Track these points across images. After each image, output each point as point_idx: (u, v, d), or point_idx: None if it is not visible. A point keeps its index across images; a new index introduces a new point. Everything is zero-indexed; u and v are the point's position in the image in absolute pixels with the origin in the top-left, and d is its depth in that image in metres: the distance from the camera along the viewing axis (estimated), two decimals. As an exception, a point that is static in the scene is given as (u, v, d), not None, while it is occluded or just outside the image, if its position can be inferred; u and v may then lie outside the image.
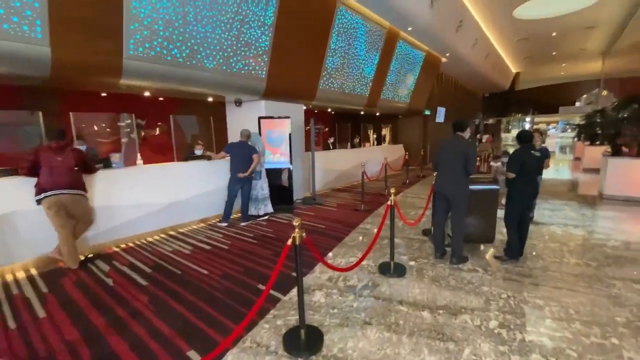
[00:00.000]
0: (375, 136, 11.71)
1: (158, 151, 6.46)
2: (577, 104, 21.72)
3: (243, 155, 5.09)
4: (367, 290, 3.01)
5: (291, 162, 6.08)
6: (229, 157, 5.19)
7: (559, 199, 6.84)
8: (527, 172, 3.52)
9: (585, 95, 21.34)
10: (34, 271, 3.54)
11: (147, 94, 5.18)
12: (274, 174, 5.93)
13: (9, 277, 3.39)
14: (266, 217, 5.58)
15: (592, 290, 2.93)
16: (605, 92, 17.79)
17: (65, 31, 3.29)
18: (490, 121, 23.35)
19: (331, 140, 9.55)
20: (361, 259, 2.99)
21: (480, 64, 13.23)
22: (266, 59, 5.44)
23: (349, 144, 9.97)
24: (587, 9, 9.56)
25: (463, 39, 10.17)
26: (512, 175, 3.53)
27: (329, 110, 10.30)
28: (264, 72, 5.53)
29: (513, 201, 3.63)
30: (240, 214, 5.36)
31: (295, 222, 2.11)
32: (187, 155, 5.93)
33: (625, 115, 6.80)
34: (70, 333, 2.42)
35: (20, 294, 3.04)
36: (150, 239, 4.60)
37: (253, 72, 5.34)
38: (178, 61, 4.30)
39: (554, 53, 15.31)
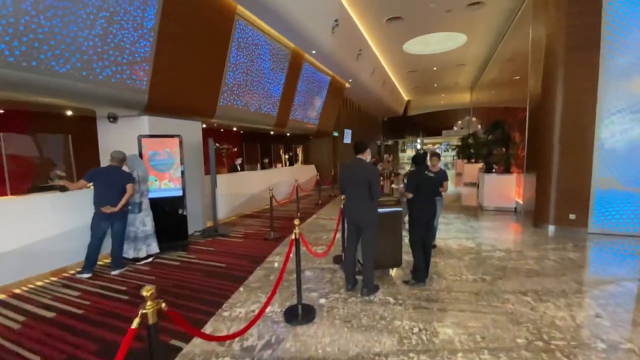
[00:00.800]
0: (287, 157, 11.44)
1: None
2: (455, 128, 25.91)
3: (112, 183, 3.99)
4: (268, 350, 2.43)
5: (184, 189, 5.16)
6: (92, 187, 4.02)
7: (450, 212, 7.57)
8: (423, 192, 3.57)
9: (459, 121, 25.62)
10: None
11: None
12: (161, 205, 4.91)
13: None
14: (149, 260, 4.50)
15: (491, 309, 2.97)
16: (474, 119, 21.64)
17: None
18: (390, 142, 25.89)
19: (239, 161, 8.82)
20: (264, 306, 2.43)
21: (378, 91, 14.47)
22: (147, 67, 4.55)
23: (258, 165, 9.38)
24: (457, 49, 11.38)
25: (363, 67, 10.90)
26: (410, 195, 3.54)
27: (235, 129, 9.59)
28: (145, 83, 4.61)
29: (414, 222, 3.63)
30: (110, 260, 4.18)
31: (146, 292, 1.41)
32: (35, 185, 4.47)
33: (493, 138, 8.04)
34: None
35: None
36: (-49, 314, 3.10)
37: (129, 81, 4.38)
38: (7, 60, 3.13)
39: (435, 85, 17.92)
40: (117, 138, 5.27)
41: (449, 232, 5.78)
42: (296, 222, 2.90)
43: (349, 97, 15.19)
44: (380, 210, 3.50)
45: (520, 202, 7.22)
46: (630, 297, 3.18)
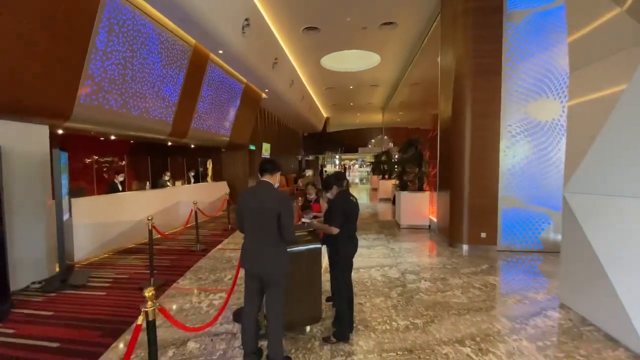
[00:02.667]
0: (193, 173, 9.77)
1: None
2: (369, 145, 27.39)
3: None
4: None
5: (2, 222, 3.39)
6: None
7: (369, 231, 7.19)
8: (350, 224, 2.83)
9: (373, 139, 27.20)
10: None
11: None
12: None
13: None
14: None
15: (433, 377, 2.31)
16: (385, 137, 23.10)
17: None
18: (310, 158, 25.82)
19: (120, 178, 6.92)
20: None
21: (297, 105, 13.96)
22: None
23: (147, 183, 7.57)
24: (371, 69, 11.66)
25: (280, 77, 10.18)
26: (336, 230, 2.74)
27: (113, 138, 7.64)
28: None
29: (340, 263, 2.84)
30: None
31: None
32: None
33: (407, 157, 8.09)
34: None
35: None
36: None
37: None
38: None
39: (351, 104, 18.45)
40: None
41: (372, 257, 5.24)
42: (148, 292, 1.74)
43: (267, 109, 14.30)
44: (292, 249, 2.61)
45: (434, 219, 7.28)
46: (561, 335, 2.94)
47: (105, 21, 4.53)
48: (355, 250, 2.89)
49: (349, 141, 27.63)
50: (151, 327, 1.75)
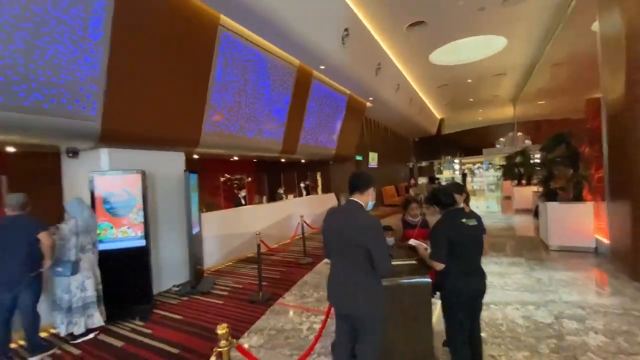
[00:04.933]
0: (304, 185, 10.32)
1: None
2: (497, 145, 23.41)
3: (14, 238, 2.96)
4: None
5: (147, 237, 4.10)
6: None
7: (504, 253, 5.77)
8: (461, 254, 2.12)
9: (502, 138, 23.14)
10: None
11: None
12: (119, 258, 3.87)
13: None
14: (90, 337, 3.39)
15: None
16: (519, 134, 19.25)
17: None
18: (423, 164, 23.95)
19: (243, 193, 7.80)
20: None
21: (405, 109, 13.09)
22: (96, 90, 3.69)
23: (264, 197, 8.32)
24: (495, 56, 9.84)
25: (384, 82, 9.70)
26: (440, 265, 2.10)
27: (236, 158, 8.68)
28: (95, 108, 3.74)
29: (450, 303, 2.17)
30: (26, 342, 3.11)
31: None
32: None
33: (553, 157, 6.26)
34: None
35: None
36: None
37: (70, 107, 3.52)
38: None
39: (470, 99, 16.15)
40: (79, 176, 4.45)
41: (507, 290, 4.09)
42: (221, 330, 1.57)
43: (373, 118, 13.96)
44: (391, 282, 2.11)
45: (604, 240, 5.29)
46: None
47: (221, 56, 5.14)
48: (472, 289, 2.15)
49: (471, 142, 24.28)
50: (226, 367, 1.59)
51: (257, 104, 6.30)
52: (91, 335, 3.41)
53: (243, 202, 7.74)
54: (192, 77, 4.80)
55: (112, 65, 3.73)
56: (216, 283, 4.99)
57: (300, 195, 9.82)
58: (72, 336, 3.34)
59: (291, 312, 3.81)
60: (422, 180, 18.61)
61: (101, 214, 3.82)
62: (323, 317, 3.49)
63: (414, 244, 2.66)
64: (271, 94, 6.60)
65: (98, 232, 3.73)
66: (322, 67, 7.21)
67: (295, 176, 10.42)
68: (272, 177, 10.21)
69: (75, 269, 3.31)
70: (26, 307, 3.01)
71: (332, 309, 2.03)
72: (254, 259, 6.38)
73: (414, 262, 2.49)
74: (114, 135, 4.01)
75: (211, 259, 5.79)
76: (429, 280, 2.27)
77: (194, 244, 4.86)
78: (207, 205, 6.64)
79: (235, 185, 9.33)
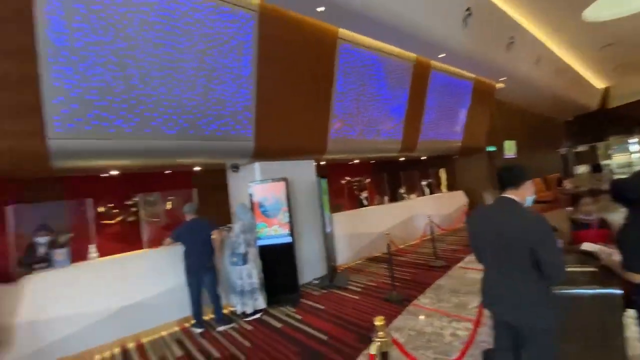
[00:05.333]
0: (427, 183, 9.80)
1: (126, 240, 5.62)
2: None
3: (198, 236, 3.99)
4: None
5: (292, 234, 4.73)
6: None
7: None
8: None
9: None
10: None
11: (114, 172, 4.59)
12: (272, 252, 4.62)
13: None
14: (257, 317, 4.16)
15: None
16: None
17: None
18: (581, 148, 19.06)
19: (364, 195, 8.01)
20: None
21: (550, 84, 10.77)
22: (250, 116, 4.53)
23: (386, 198, 8.29)
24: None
25: (519, 57, 8.26)
26: (637, 277, 1.64)
27: (357, 161, 8.96)
28: (250, 131, 4.59)
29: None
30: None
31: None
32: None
33: None
34: None
35: None
36: (97, 357, 3.53)
37: (233, 132, 4.44)
38: (125, 132, 3.58)
39: (655, 56, 11.93)
40: (240, 186, 5.53)
41: None
42: (379, 321, 1.69)
43: (506, 100, 12.04)
44: (566, 291, 1.81)
45: None
46: None
47: (341, 67, 5.47)
48: None
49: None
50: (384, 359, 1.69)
51: (374, 106, 6.41)
52: (258, 315, 4.18)
53: (365, 203, 7.96)
54: (317, 92, 5.30)
55: (259, 94, 4.51)
56: (350, 280, 5.30)
57: (423, 194, 9.37)
58: (244, 314, 4.17)
59: (429, 316, 3.69)
60: (582, 169, 14.82)
61: (258, 216, 4.64)
62: (467, 324, 3.26)
63: (590, 249, 2.18)
64: (388, 93, 6.60)
65: (257, 230, 4.55)
66: (442, 55, 6.73)
67: (415, 175, 10.03)
68: (392, 177, 10.13)
69: (245, 259, 4.14)
70: (208, 287, 4.01)
71: (484, 316, 1.88)
72: (381, 258, 6.48)
73: (593, 269, 2.04)
74: (263, 151, 4.83)
75: (342, 256, 6.19)
76: (620, 292, 1.82)
77: (328, 242, 5.31)
78: (334, 206, 7.13)
79: (355, 187, 9.70)
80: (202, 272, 3.97)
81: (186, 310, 4.10)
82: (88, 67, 3.23)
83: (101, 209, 5.57)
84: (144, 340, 3.85)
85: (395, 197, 8.59)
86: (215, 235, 4.06)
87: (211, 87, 4.11)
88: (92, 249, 3.96)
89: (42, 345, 3.28)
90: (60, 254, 3.59)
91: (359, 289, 4.84)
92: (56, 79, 3.10)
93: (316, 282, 5.36)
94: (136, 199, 5.62)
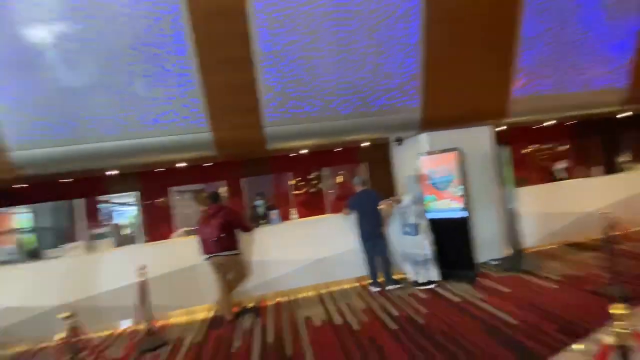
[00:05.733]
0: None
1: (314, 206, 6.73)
2: None
3: (368, 204, 4.33)
4: None
5: (468, 209, 4.38)
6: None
7: None
8: None
9: None
10: (202, 315, 4.25)
11: (304, 151, 5.48)
12: (442, 226, 4.46)
13: (183, 320, 4.22)
14: (429, 287, 4.18)
15: None
16: None
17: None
18: None
19: (562, 165, 6.33)
20: None
21: None
22: (417, 84, 4.39)
23: (597, 168, 6.18)
24: None
25: None
26: None
27: (554, 122, 7.11)
28: (417, 101, 4.47)
29: None
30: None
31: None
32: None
33: None
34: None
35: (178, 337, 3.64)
36: (300, 296, 4.53)
37: (400, 104, 4.44)
38: (312, 116, 4.23)
39: None
40: (404, 159, 5.57)
41: None
42: (617, 309, 1.36)
43: None
44: None
45: None
46: None
47: (529, 7, 4.41)
48: None
49: None
50: (624, 354, 1.36)
51: (581, 47, 4.87)
52: (431, 286, 4.19)
53: (560, 175, 6.35)
54: (496, 45, 4.50)
55: (427, 59, 4.29)
56: (541, 265, 4.47)
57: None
58: (416, 283, 4.27)
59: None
60: None
61: (427, 188, 4.55)
62: None
63: None
64: (605, 26, 4.85)
65: (426, 203, 4.49)
66: None
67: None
68: (606, 142, 7.55)
69: (417, 230, 4.20)
70: (381, 252, 4.33)
71: None
72: (588, 245, 5.08)
73: None
74: (431, 120, 4.63)
75: (529, 239, 5.24)
76: None
77: (512, 220, 4.62)
78: (517, 180, 6.06)
79: (546, 156, 7.84)
80: (373, 239, 4.33)
81: (363, 270, 4.59)
82: (285, 64, 3.97)
83: (292, 182, 6.90)
84: (332, 289, 4.62)
85: (612, 168, 6.42)
86: (382, 205, 4.31)
87: (379, 62, 4.22)
88: (293, 212, 5.01)
89: (267, 279, 4.49)
90: (274, 214, 4.75)
91: (555, 277, 4.02)
92: (266, 79, 3.98)
93: (495, 262, 4.81)
94: (317, 173, 6.67)
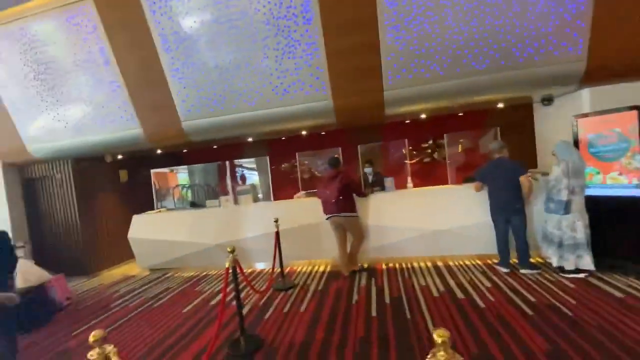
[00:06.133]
0: None
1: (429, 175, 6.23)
2: None
3: (503, 175, 3.77)
4: None
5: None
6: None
7: None
8: None
9: None
10: (322, 268, 4.67)
11: (423, 116, 5.10)
12: (606, 206, 3.56)
13: (306, 269, 4.72)
14: (579, 276, 3.48)
15: None
16: None
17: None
18: None
19: None
20: None
21: None
22: (583, 25, 3.43)
23: None
24: None
25: None
26: None
27: None
28: (581, 47, 3.51)
29: None
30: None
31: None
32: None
33: None
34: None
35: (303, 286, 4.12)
36: (415, 264, 4.47)
37: (557, 52, 3.57)
38: (439, 75, 3.85)
39: None
40: (552, 122, 4.60)
41: None
42: None
43: None
44: None
45: None
46: None
47: None
48: None
49: None
50: None
51: None
52: (581, 275, 3.49)
53: None
54: None
55: (602, -12, 3.27)
56: None
57: None
58: (561, 269, 3.61)
59: None
60: None
61: (587, 158, 3.66)
62: None
63: None
64: None
65: (585, 176, 3.63)
66: None
67: None
68: None
69: (567, 208, 3.48)
70: (515, 229, 3.78)
71: None
72: None
73: None
74: (599, 72, 3.60)
75: None
76: None
77: None
78: None
79: None
80: (508, 213, 3.80)
81: (488, 248, 4.16)
82: (411, 19, 3.67)
83: (407, 150, 6.61)
84: (450, 263, 4.38)
85: None
86: (523, 179, 3.68)
87: (531, 1, 3.44)
88: (409, 180, 4.85)
89: (382, 244, 4.57)
90: (389, 181, 4.71)
91: None
92: (389, 39, 3.79)
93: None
94: (436, 141, 6.20)
